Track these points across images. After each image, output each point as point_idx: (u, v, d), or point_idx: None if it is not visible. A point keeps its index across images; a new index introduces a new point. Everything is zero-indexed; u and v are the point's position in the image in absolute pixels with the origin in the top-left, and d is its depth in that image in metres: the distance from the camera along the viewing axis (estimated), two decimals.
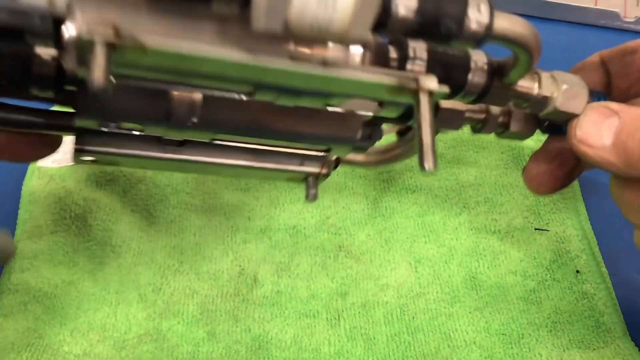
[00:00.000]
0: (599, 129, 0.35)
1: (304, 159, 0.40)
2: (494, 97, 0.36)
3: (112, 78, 0.24)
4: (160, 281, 0.49)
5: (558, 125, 0.42)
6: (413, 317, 0.48)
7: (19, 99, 0.32)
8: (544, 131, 0.44)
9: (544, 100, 0.37)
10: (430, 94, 0.30)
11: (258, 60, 0.27)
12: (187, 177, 0.54)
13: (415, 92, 0.30)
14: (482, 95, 0.35)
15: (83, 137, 0.35)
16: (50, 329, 0.46)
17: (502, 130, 0.42)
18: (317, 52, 0.29)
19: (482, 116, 0.41)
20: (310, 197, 0.41)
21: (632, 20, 0.69)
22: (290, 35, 0.28)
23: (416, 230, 0.52)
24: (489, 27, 0.29)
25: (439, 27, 0.29)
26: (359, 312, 0.48)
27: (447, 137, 0.55)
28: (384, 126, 0.40)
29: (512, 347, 0.46)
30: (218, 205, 0.53)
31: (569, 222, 0.52)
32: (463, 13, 0.29)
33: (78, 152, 0.35)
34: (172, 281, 0.49)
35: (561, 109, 0.37)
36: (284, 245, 0.51)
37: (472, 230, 0.52)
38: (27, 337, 0.45)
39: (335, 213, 0.53)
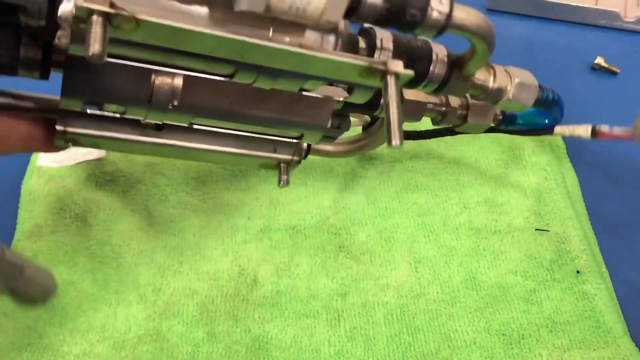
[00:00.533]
0: None
1: (277, 145, 0.42)
2: (453, 88, 0.39)
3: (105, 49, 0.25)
4: (160, 281, 0.49)
5: (511, 118, 0.47)
6: (413, 318, 0.48)
7: (7, 76, 0.33)
8: (496, 125, 0.47)
9: (498, 92, 0.40)
10: (397, 76, 0.32)
11: (242, 38, 0.29)
12: (187, 178, 0.54)
13: (383, 74, 0.32)
14: (442, 85, 0.38)
15: (65, 119, 0.36)
16: (50, 329, 0.46)
17: (461, 122, 0.45)
18: (295, 39, 0.32)
19: (443, 109, 0.45)
20: (283, 183, 0.43)
21: (633, 20, 0.69)
22: (270, 19, 0.30)
23: (416, 230, 0.52)
24: (449, 16, 0.32)
25: (405, 15, 0.31)
26: (359, 313, 0.48)
27: (448, 137, 0.55)
28: (352, 118, 0.42)
29: (512, 348, 0.46)
30: (218, 205, 0.53)
31: (569, 222, 0.52)
32: (426, 3, 0.31)
33: (60, 133, 0.36)
34: (172, 281, 0.49)
35: (514, 100, 0.41)
36: (283, 246, 0.51)
37: (472, 230, 0.52)
38: (27, 337, 0.45)
39: (335, 213, 0.53)
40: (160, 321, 0.47)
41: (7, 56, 0.31)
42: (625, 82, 0.65)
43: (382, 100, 0.32)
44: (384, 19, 0.31)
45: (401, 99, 0.36)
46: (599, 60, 0.65)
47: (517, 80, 0.40)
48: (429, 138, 0.54)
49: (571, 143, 0.57)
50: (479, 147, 0.57)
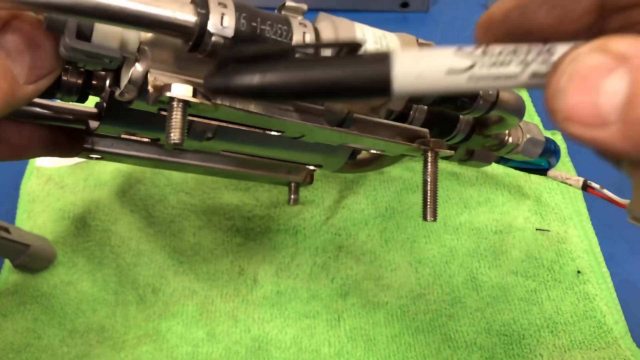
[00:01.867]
0: (595, 95, 0.18)
1: (291, 168, 0.44)
2: (472, 142, 0.42)
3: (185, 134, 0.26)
4: (159, 281, 0.49)
5: (508, 159, 0.49)
6: (414, 318, 0.47)
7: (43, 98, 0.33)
8: (495, 162, 0.48)
9: (511, 146, 0.43)
10: (437, 153, 0.35)
11: (306, 124, 0.31)
12: (186, 177, 0.54)
13: (424, 151, 0.35)
14: (464, 140, 0.41)
15: (94, 138, 0.37)
16: (49, 330, 0.45)
17: (466, 159, 0.47)
18: (344, 106, 0.34)
19: (453, 152, 0.47)
20: (292, 202, 0.45)
21: None
22: None
23: (417, 230, 0.52)
24: (495, 102, 0.35)
25: (456, 101, 0.34)
26: (360, 313, 0.48)
27: None
28: None
29: (513, 348, 0.46)
30: (218, 205, 0.53)
31: (570, 223, 0.52)
32: (477, 93, 0.34)
33: (87, 150, 0.37)
34: (171, 281, 0.49)
35: (522, 154, 0.44)
36: (284, 246, 0.51)
37: (472, 230, 0.52)
38: (26, 338, 0.45)
39: (336, 213, 0.53)
40: (159, 321, 0.47)
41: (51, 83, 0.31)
42: None
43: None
44: (437, 103, 0.34)
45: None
46: None
47: (528, 136, 0.43)
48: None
49: (572, 144, 0.57)
50: None
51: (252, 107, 0.29)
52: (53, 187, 0.52)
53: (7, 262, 0.48)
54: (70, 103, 0.35)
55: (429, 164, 0.35)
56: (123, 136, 0.36)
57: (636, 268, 0.51)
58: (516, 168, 0.50)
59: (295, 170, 0.44)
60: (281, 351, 0.46)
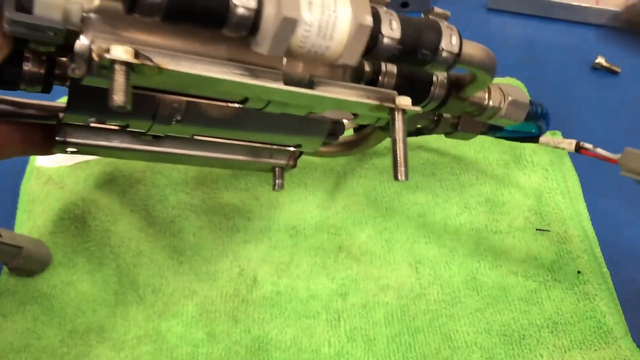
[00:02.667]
0: None
1: (273, 152, 0.43)
2: (450, 107, 0.41)
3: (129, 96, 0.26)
4: (159, 282, 0.49)
5: (498, 127, 0.48)
6: (414, 318, 0.47)
7: (7, 90, 0.33)
8: (483, 132, 0.48)
9: (492, 110, 0.42)
10: (404, 112, 0.34)
11: (258, 82, 0.30)
12: (186, 177, 0.54)
13: (391, 110, 0.34)
14: (440, 105, 0.40)
15: (65, 130, 0.36)
16: (48, 330, 0.45)
17: (452, 130, 0.47)
18: (307, 68, 0.34)
19: (435, 117, 0.46)
20: (277, 187, 0.44)
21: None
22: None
23: (417, 230, 0.52)
24: (459, 55, 0.34)
25: (416, 55, 0.33)
26: (359, 313, 0.48)
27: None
28: (344, 121, 0.43)
29: (513, 348, 0.46)
30: (218, 205, 0.53)
31: (570, 223, 0.52)
32: (437, 43, 0.33)
33: (60, 143, 0.36)
34: (171, 282, 0.49)
35: (506, 117, 0.42)
36: (283, 246, 0.51)
37: (473, 230, 0.52)
38: (26, 338, 0.45)
39: (336, 213, 0.53)
40: (159, 322, 0.47)
41: (10, 73, 0.31)
42: (626, 82, 0.65)
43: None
44: (397, 58, 0.33)
45: (406, 132, 0.37)
46: (600, 60, 0.65)
47: (510, 98, 0.41)
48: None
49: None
50: (479, 147, 0.57)
51: (199, 69, 0.29)
52: (53, 187, 0.52)
53: None
54: (47, 101, 0.35)
55: (397, 122, 0.34)
56: (93, 125, 0.36)
57: (636, 268, 0.51)
58: (507, 138, 0.49)
59: (277, 153, 0.43)
60: (281, 351, 0.46)
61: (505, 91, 0.42)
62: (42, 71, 0.31)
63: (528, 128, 0.48)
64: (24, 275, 0.47)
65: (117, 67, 0.26)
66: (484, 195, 0.54)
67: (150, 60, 0.27)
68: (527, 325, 0.47)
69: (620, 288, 0.49)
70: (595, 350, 0.45)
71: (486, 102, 0.41)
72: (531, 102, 0.44)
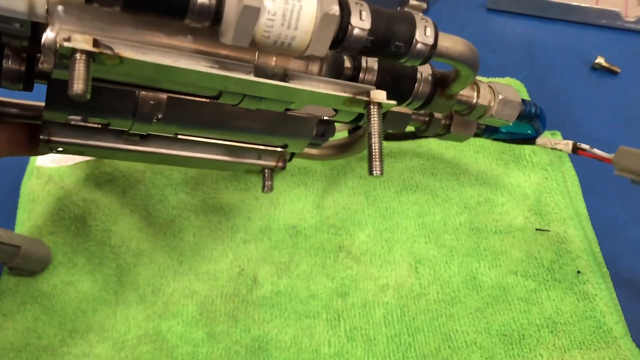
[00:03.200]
0: None
1: (261, 153, 0.43)
2: (436, 105, 0.40)
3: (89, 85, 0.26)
4: (159, 282, 0.49)
5: (493, 128, 0.47)
6: (413, 318, 0.47)
7: None
8: (479, 134, 0.47)
9: (481, 108, 0.41)
10: (380, 105, 0.33)
11: (225, 73, 0.30)
12: (186, 178, 0.54)
13: (366, 104, 0.33)
14: (426, 103, 0.39)
15: (49, 129, 0.36)
16: (49, 329, 0.45)
17: (444, 132, 0.46)
18: (280, 61, 0.33)
19: (426, 119, 0.45)
20: (267, 189, 0.44)
21: (633, 19, 0.69)
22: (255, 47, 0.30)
23: (416, 230, 0.52)
24: (434, 46, 0.33)
25: (389, 47, 0.32)
26: (359, 313, 0.48)
27: None
28: (337, 123, 0.42)
29: (513, 348, 0.46)
30: (217, 205, 0.53)
31: (569, 223, 0.52)
32: (411, 35, 0.32)
33: (44, 142, 0.36)
34: (171, 282, 0.49)
35: (497, 117, 0.41)
36: (283, 246, 0.51)
37: (472, 230, 0.52)
38: (26, 337, 0.45)
39: (336, 213, 0.53)
40: (159, 321, 0.47)
41: None
42: (626, 82, 0.65)
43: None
44: (369, 50, 0.32)
45: (385, 114, 0.36)
46: (600, 60, 0.65)
47: (500, 97, 0.40)
48: (397, 140, 0.54)
49: None
50: (479, 147, 0.57)
51: (162, 59, 0.29)
52: (53, 187, 0.52)
53: None
54: (32, 101, 0.35)
55: (372, 116, 0.33)
56: (75, 123, 0.36)
57: (636, 268, 0.51)
58: (504, 140, 0.49)
59: (266, 154, 0.43)
60: (281, 351, 0.46)
61: (496, 89, 0.41)
62: (22, 68, 0.31)
63: (523, 129, 0.47)
64: (24, 275, 0.47)
65: (77, 55, 0.25)
66: (484, 195, 0.54)
67: (111, 49, 0.27)
68: (526, 325, 0.47)
69: (620, 288, 0.49)
70: (595, 350, 0.45)
71: (475, 100, 0.40)
72: (524, 102, 0.43)
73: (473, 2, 0.73)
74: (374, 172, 0.32)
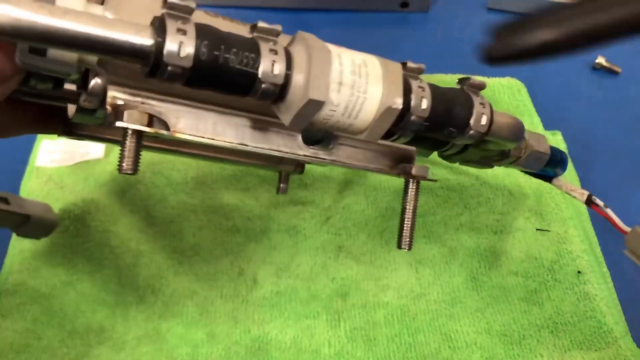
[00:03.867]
0: None
1: (281, 158, 0.43)
2: (470, 154, 0.39)
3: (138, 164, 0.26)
4: (159, 282, 0.49)
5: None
6: (414, 318, 0.47)
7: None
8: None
9: (512, 158, 0.40)
10: (419, 182, 0.33)
11: (271, 146, 0.31)
12: (186, 178, 0.54)
13: (406, 179, 0.34)
14: (461, 152, 0.38)
15: (74, 126, 0.36)
16: (48, 330, 0.45)
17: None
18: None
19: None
20: (282, 191, 0.43)
21: None
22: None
23: (417, 230, 0.52)
24: (486, 133, 0.33)
25: (443, 131, 0.32)
26: (360, 313, 0.48)
27: None
28: None
29: (513, 348, 0.46)
30: (217, 205, 0.53)
31: (570, 223, 0.52)
32: (467, 123, 0.32)
33: (66, 132, 0.36)
34: (171, 282, 0.49)
35: (523, 166, 0.41)
36: (283, 246, 0.51)
37: (473, 230, 0.52)
38: (26, 338, 0.45)
39: (336, 214, 0.53)
40: (159, 322, 0.47)
41: None
42: (626, 82, 0.65)
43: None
44: (423, 135, 0.32)
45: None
46: (600, 60, 0.65)
47: (532, 150, 0.40)
48: None
49: (572, 143, 0.57)
50: None
51: (210, 129, 0.29)
52: (53, 187, 0.52)
53: (6, 264, 0.48)
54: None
55: (410, 191, 0.33)
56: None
57: (636, 268, 0.50)
58: (521, 170, 0.48)
59: (286, 159, 0.43)
60: (281, 352, 0.46)
61: (529, 142, 0.40)
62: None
63: (544, 171, 0.46)
64: (31, 237, 0.47)
65: (129, 133, 0.26)
66: (484, 195, 0.54)
67: (166, 127, 0.27)
68: (527, 325, 0.47)
69: (620, 288, 0.49)
70: (596, 350, 0.45)
71: (507, 150, 0.40)
72: (552, 150, 0.42)
73: (473, 2, 0.73)
74: (404, 247, 0.33)
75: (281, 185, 0.43)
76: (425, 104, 0.30)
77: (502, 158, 0.40)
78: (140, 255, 0.49)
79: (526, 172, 0.48)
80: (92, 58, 0.26)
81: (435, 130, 0.32)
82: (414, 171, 0.33)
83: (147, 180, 0.53)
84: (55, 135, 0.36)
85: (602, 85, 0.65)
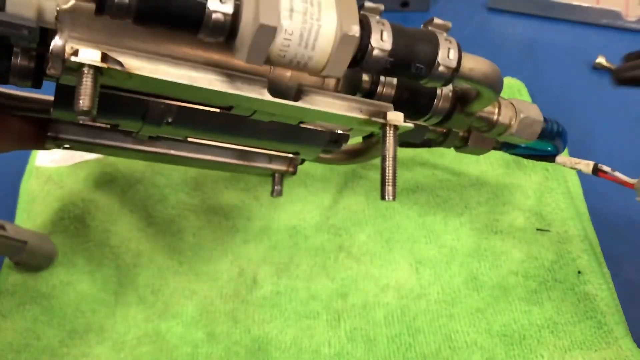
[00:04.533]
0: None
1: (272, 157, 0.42)
2: (455, 122, 0.38)
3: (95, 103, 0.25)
4: (159, 282, 0.49)
5: (513, 145, 0.45)
6: (414, 318, 0.47)
7: None
8: (497, 148, 0.46)
9: (501, 127, 0.39)
10: (396, 128, 0.32)
11: (236, 91, 0.29)
12: (186, 178, 0.54)
13: (382, 125, 0.32)
14: (445, 119, 0.38)
15: (57, 126, 0.36)
16: (48, 330, 0.45)
17: (461, 145, 0.44)
18: (295, 75, 0.32)
19: (444, 131, 0.44)
20: (276, 193, 0.43)
21: (634, 19, 0.68)
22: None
23: (417, 230, 0.52)
24: (456, 70, 0.32)
25: (410, 68, 0.31)
26: (360, 313, 0.48)
27: None
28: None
29: (513, 348, 0.46)
30: (217, 205, 0.53)
31: (570, 223, 0.52)
32: (433, 57, 0.31)
33: (53, 139, 0.36)
34: (171, 282, 0.49)
35: (516, 136, 0.40)
36: (283, 246, 0.51)
37: (473, 230, 0.52)
38: (25, 338, 0.45)
39: (336, 213, 0.53)
40: (159, 322, 0.47)
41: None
42: None
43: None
44: (388, 71, 0.31)
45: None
46: (600, 60, 0.65)
47: (521, 115, 0.39)
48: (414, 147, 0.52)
49: (572, 143, 0.57)
50: None
51: (175, 74, 0.28)
52: (53, 187, 0.52)
53: (6, 262, 0.48)
54: (42, 95, 0.35)
55: (387, 138, 0.32)
56: (82, 122, 0.36)
57: (636, 268, 0.51)
58: (523, 155, 0.47)
59: (277, 159, 0.42)
60: (281, 352, 0.46)
61: (518, 107, 0.40)
62: (32, 65, 0.31)
63: (543, 146, 0.45)
64: (29, 270, 0.47)
65: (84, 69, 0.25)
66: (484, 195, 0.54)
67: (120, 64, 0.26)
68: (527, 326, 0.46)
69: (620, 288, 0.49)
70: (596, 350, 0.45)
71: (495, 117, 0.39)
72: (546, 120, 0.42)
73: (474, 2, 0.73)
74: (387, 197, 0.32)
75: (275, 187, 0.43)
76: (385, 36, 0.30)
77: (490, 128, 0.40)
78: (140, 255, 0.49)
79: (528, 156, 0.47)
80: (50, 12, 0.26)
81: (402, 67, 0.31)
82: (388, 116, 0.32)
83: (147, 180, 0.53)
84: None
85: (602, 85, 0.64)
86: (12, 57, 0.30)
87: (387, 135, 0.32)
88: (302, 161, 0.43)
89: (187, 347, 0.46)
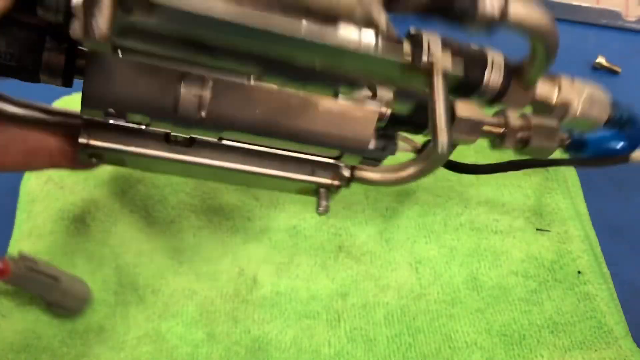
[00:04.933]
0: None
1: (314, 166, 0.38)
2: (511, 99, 0.34)
3: (114, 38, 0.24)
4: (159, 282, 0.49)
5: (580, 143, 0.41)
6: (414, 318, 0.47)
7: (29, 82, 0.32)
8: (565, 149, 0.42)
9: (563, 107, 0.35)
10: (445, 75, 0.29)
11: (266, 20, 0.26)
12: (186, 178, 0.54)
13: (428, 72, 0.29)
14: (499, 95, 0.33)
15: (89, 131, 0.34)
16: (48, 330, 0.45)
17: (522, 145, 0.40)
18: (330, 28, 0.28)
19: (501, 130, 0.39)
20: (323, 209, 0.38)
21: (634, 19, 0.68)
22: (302, 10, 0.27)
23: (417, 230, 0.52)
24: (504, 10, 0.28)
25: (453, 5, 0.28)
26: (359, 313, 0.48)
27: None
28: (401, 142, 0.38)
29: (513, 348, 0.46)
30: (217, 205, 0.53)
31: (570, 223, 0.52)
32: None
33: (83, 146, 0.34)
34: (171, 282, 0.49)
35: (581, 117, 0.35)
36: (283, 246, 0.51)
37: (473, 230, 0.52)
38: (26, 338, 0.45)
39: (336, 213, 0.53)
40: (159, 322, 0.47)
41: (29, 60, 0.30)
42: (627, 82, 0.65)
43: (428, 108, 0.29)
44: (428, 9, 0.28)
45: (452, 120, 0.32)
46: (600, 60, 0.65)
47: (585, 94, 0.35)
48: (489, 173, 0.48)
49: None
50: (479, 147, 0.57)
51: (209, 8, 0.25)
52: (53, 187, 0.52)
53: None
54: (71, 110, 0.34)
55: (436, 84, 0.28)
56: (113, 122, 0.33)
57: (636, 268, 0.51)
58: (594, 163, 0.42)
59: (319, 168, 0.38)
60: (281, 352, 0.46)
61: (581, 85, 0.36)
62: (62, 62, 0.30)
63: (614, 144, 0.40)
64: (64, 313, 0.46)
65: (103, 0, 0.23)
66: (484, 195, 0.54)
67: None
68: (527, 326, 0.47)
69: (620, 288, 0.49)
70: (596, 350, 0.45)
71: (556, 95, 0.35)
72: (615, 104, 0.37)
73: None
74: (440, 148, 0.28)
75: (322, 202, 0.38)
76: None
77: (552, 108, 0.35)
78: (141, 255, 0.49)
79: (599, 162, 0.42)
80: None
81: (443, 2, 0.28)
82: (434, 57, 0.29)
83: (147, 180, 0.53)
84: None
85: (602, 85, 0.64)
86: (44, 52, 0.30)
87: (435, 83, 0.29)
88: (350, 180, 0.39)
89: (187, 347, 0.46)
